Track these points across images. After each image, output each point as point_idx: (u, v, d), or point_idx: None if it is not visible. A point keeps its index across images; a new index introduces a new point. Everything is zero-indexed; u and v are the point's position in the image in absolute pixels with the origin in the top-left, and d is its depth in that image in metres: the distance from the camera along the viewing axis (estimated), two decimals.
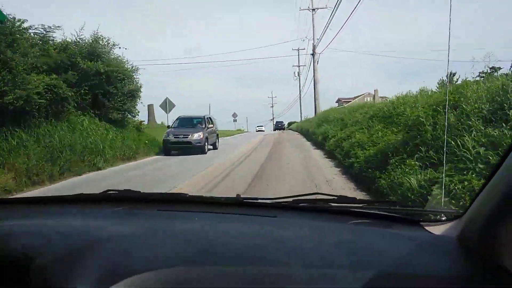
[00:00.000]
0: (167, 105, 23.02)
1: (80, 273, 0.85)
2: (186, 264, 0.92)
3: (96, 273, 0.86)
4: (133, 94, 13.94)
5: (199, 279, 0.87)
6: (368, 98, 65.49)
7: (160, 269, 0.88)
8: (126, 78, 13.63)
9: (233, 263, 0.94)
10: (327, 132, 15.78)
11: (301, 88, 59.75)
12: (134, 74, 14.73)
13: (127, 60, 14.61)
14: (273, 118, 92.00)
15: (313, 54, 33.59)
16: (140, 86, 15.91)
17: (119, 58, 14.17)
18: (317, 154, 14.40)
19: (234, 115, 56.93)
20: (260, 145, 19.73)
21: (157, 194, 1.70)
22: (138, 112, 16.45)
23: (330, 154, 12.99)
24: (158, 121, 47.41)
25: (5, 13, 9.31)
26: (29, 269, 0.83)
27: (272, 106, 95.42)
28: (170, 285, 0.84)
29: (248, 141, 23.81)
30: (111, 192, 1.58)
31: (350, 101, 71.13)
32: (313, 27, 32.50)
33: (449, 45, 1.97)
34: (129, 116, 14.87)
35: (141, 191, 1.61)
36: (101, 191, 1.58)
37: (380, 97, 77.31)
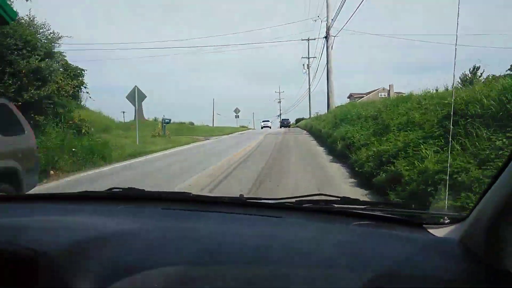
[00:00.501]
0: (136, 96, 17.87)
1: (85, 268, 0.86)
2: (189, 263, 0.92)
3: (101, 269, 0.87)
4: (44, 77, 8.60)
5: (202, 278, 0.88)
6: (383, 93, 61.19)
7: (164, 267, 0.88)
8: (30, 49, 8.34)
9: (236, 263, 0.94)
10: (351, 137, 10.42)
11: (310, 82, 54.67)
12: (54, 44, 9.48)
13: (43, 24, 9.36)
14: (280, 114, 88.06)
15: (326, 37, 27.23)
16: (73, 67, 10.76)
17: (26, 20, 8.92)
18: (339, 173, 9.02)
19: (236, 110, 51.34)
20: (254, 153, 14.04)
21: (161, 192, 1.68)
22: (75, 105, 11.27)
23: (361, 176, 7.67)
24: (149, 116, 42.48)
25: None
26: (36, 263, 0.84)
27: (280, 102, 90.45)
28: (173, 284, 0.85)
29: (240, 144, 17.80)
30: (116, 189, 1.61)
31: (363, 96, 67.47)
32: (327, 5, 26.83)
33: (456, 42, 1.81)
34: (49, 110, 9.59)
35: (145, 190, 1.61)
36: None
37: (395, 92, 73.73)
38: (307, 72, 55.80)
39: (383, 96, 63.85)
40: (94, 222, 1.16)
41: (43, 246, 0.88)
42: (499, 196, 0.83)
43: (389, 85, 56.27)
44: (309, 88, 56.02)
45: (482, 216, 0.90)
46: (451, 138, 4.96)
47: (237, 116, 51.13)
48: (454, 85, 7.74)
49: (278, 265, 0.90)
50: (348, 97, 71.80)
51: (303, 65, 55.35)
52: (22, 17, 8.78)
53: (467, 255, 0.93)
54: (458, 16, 1.75)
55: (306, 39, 55.35)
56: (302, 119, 70.37)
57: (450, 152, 4.60)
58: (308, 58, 55.04)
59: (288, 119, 63.00)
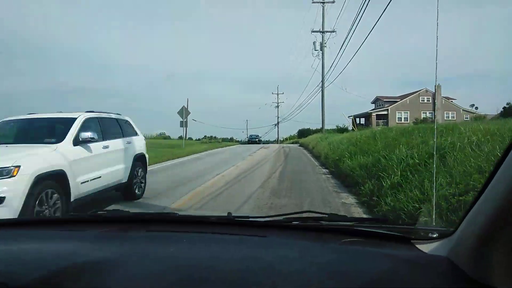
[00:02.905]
0: None
1: None
2: None
3: None
4: None
5: None
6: (425, 97, 40.57)
7: None
8: None
9: None
10: None
11: (325, 72, 33.63)
12: None
13: None
14: (278, 123, 67.29)
15: None
16: None
17: None
18: None
19: (183, 112, 26.62)
20: None
21: (146, 214, 1.77)
22: None
23: None
24: None
25: None
26: None
27: (278, 106, 69.66)
28: None
29: None
30: (100, 212, 1.58)
31: (397, 101, 44.07)
32: None
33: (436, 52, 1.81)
34: None
35: (130, 211, 1.59)
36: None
37: (444, 97, 47.23)
38: (320, 54, 33.83)
39: (425, 100, 42.73)
40: (73, 250, 1.14)
41: (14, 279, 0.85)
42: (483, 212, 0.83)
43: (435, 86, 33.72)
44: (322, 79, 34.32)
45: (468, 232, 0.90)
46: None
47: (183, 125, 27.30)
48: None
49: None
50: (373, 102, 49.88)
51: (313, 43, 33.95)
52: None
53: (455, 271, 0.94)
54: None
55: (319, 1, 33.45)
56: (308, 131, 48.77)
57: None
58: (323, 32, 33.74)
59: (258, 135, 57.13)
